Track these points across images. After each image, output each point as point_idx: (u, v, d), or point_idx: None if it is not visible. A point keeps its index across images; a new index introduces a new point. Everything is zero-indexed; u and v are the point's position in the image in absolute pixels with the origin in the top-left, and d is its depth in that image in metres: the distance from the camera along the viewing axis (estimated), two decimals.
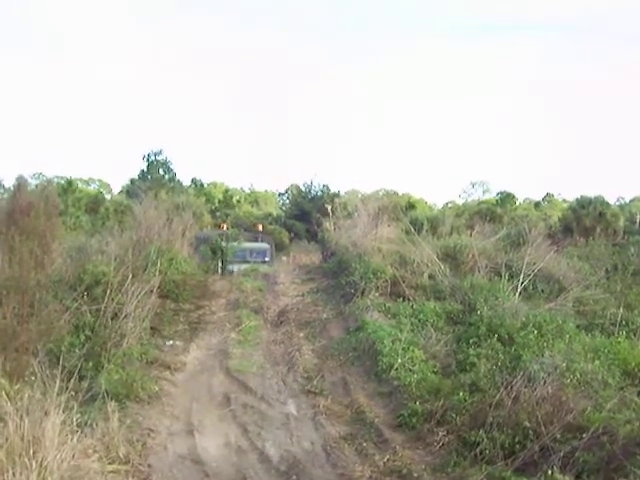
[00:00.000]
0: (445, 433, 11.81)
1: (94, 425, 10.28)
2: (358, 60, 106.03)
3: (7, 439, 7.33)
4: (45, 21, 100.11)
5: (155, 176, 52.90)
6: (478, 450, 10.87)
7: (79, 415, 8.99)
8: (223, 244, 31.09)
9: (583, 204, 37.05)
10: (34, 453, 7.28)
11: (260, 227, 41.81)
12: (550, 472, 9.55)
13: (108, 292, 15.50)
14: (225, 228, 37.27)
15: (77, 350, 13.09)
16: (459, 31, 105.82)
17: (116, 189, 62.19)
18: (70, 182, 45.03)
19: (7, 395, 8.25)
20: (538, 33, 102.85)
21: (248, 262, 32.01)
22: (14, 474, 6.84)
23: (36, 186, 19.33)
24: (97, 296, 15.71)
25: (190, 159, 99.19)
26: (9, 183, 51.40)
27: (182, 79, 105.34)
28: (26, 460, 7.09)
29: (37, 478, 6.94)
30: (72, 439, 8.01)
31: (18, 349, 11.41)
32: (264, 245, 36.29)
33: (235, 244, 32.34)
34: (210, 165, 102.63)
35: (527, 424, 10.82)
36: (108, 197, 52.79)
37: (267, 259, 35.10)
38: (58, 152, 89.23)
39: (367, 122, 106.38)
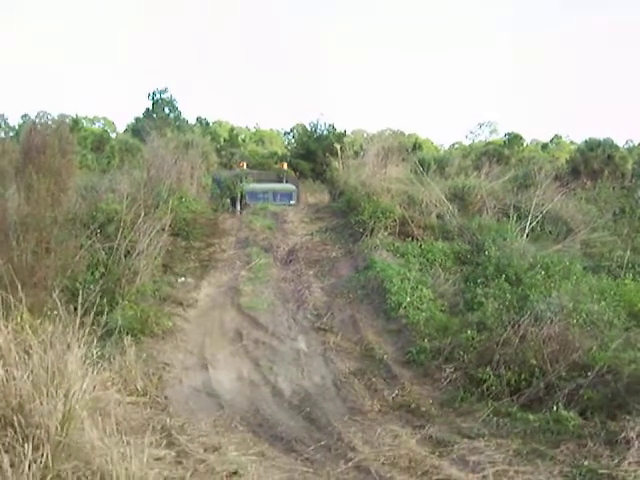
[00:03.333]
0: (452, 370, 12.11)
1: (112, 359, 10.57)
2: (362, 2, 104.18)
3: (32, 370, 7.52)
4: None
5: (160, 114, 52.62)
6: (485, 387, 11.18)
7: (98, 349, 9.22)
8: (239, 184, 30.65)
9: (591, 146, 36.70)
10: (58, 384, 7.48)
11: (285, 166, 38.85)
12: (555, 408, 9.85)
13: (121, 230, 15.68)
14: (244, 167, 35.74)
15: (92, 286, 13.26)
16: None
17: (120, 127, 61.89)
18: (76, 121, 44.92)
19: (30, 329, 8.44)
20: None
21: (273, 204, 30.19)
22: (41, 403, 7.05)
23: (48, 124, 19.24)
24: (110, 234, 15.89)
25: (195, 98, 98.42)
26: (13, 121, 51.62)
27: (186, 17, 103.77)
28: (52, 390, 7.29)
29: (63, 407, 7.14)
30: (93, 372, 8.21)
31: (36, 285, 11.62)
32: (289, 186, 33.67)
33: (252, 185, 31.25)
34: (215, 104, 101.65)
35: (533, 362, 11.10)
36: (113, 136, 52.50)
37: (293, 202, 32.52)
38: (62, 90, 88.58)
39: (373, 61, 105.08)
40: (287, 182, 34.65)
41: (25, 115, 50.84)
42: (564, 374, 10.72)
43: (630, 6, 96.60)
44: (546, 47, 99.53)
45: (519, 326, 11.93)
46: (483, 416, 10.15)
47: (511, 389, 10.97)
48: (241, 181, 31.43)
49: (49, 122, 22.30)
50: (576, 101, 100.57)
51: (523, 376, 11.03)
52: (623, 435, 8.51)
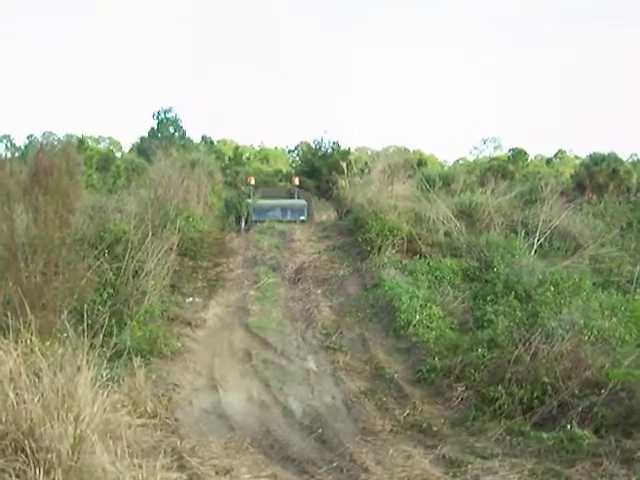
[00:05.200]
0: (464, 388, 12.03)
1: (121, 380, 10.50)
2: (365, 18, 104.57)
3: (42, 394, 7.49)
4: None
5: (165, 134, 52.75)
6: (497, 405, 11.09)
7: (107, 371, 9.18)
8: (245, 201, 30.34)
9: (596, 160, 36.69)
10: (69, 407, 7.44)
11: (296, 181, 36.68)
12: (569, 426, 9.73)
13: (129, 250, 15.64)
14: (253, 182, 34.75)
15: (100, 308, 13.25)
16: None
17: (126, 147, 61.99)
18: (82, 140, 45.00)
19: (40, 352, 8.41)
20: None
21: (281, 222, 29.60)
22: (52, 426, 7.00)
23: (55, 145, 19.27)
24: (118, 254, 15.84)
25: (199, 117, 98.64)
26: (19, 141, 51.79)
27: (190, 36, 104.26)
28: (62, 413, 7.25)
29: (73, 431, 7.10)
30: (103, 394, 8.17)
31: (45, 307, 11.60)
32: (300, 202, 33.01)
33: (259, 201, 31.09)
34: (219, 122, 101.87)
35: (546, 380, 10.99)
36: (118, 155, 52.62)
37: (303, 218, 31.90)
38: (66, 110, 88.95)
39: (376, 78, 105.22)
40: (299, 198, 33.94)
41: (31, 135, 51.07)
42: (577, 392, 10.61)
43: (633, 19, 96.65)
44: (548, 62, 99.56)
45: (530, 344, 11.85)
46: (496, 435, 10.06)
47: (524, 407, 10.86)
48: (248, 197, 31.34)
49: (55, 143, 22.33)
50: (579, 115, 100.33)
51: (535, 394, 10.92)
52: (639, 454, 8.43)
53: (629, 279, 18.26)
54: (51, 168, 12.65)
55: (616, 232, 22.92)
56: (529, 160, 55.48)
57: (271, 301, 17.95)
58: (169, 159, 27.27)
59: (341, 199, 31.54)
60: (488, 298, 16.18)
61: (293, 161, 57.18)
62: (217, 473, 8.36)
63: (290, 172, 47.16)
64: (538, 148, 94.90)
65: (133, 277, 15.42)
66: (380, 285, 18.07)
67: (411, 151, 54.67)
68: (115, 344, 10.45)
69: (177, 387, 12.13)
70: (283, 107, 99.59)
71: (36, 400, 7.28)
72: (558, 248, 21.43)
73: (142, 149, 46.73)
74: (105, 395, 8.19)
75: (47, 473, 6.51)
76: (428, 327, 15.01)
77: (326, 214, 34.06)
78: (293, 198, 33.87)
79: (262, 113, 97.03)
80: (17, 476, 6.46)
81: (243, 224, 29.76)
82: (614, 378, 10.58)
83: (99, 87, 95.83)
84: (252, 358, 13.92)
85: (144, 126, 59.52)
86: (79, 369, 7.98)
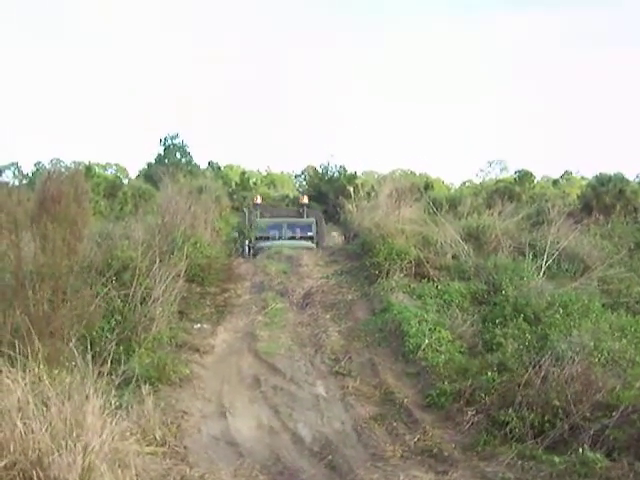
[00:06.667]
0: (474, 412, 11.91)
1: (129, 408, 10.47)
2: (369, 41, 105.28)
3: (51, 423, 7.49)
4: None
5: (172, 160, 53.05)
6: (508, 429, 10.97)
7: (116, 398, 9.16)
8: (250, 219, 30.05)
9: (602, 181, 36.80)
10: (77, 436, 7.43)
11: (305, 199, 35.64)
12: (581, 450, 9.66)
13: (136, 277, 15.64)
14: (259, 201, 34.48)
15: (108, 335, 13.24)
16: (477, 6, 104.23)
17: (133, 173, 62.28)
18: (89, 167, 45.25)
19: (48, 380, 8.41)
20: (556, 9, 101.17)
21: (288, 243, 29.58)
22: (60, 456, 6.99)
23: (62, 172, 19.33)
24: (126, 281, 15.82)
25: (206, 142, 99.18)
26: (27, 169, 52.11)
27: (195, 62, 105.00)
28: (70, 443, 7.24)
29: (82, 460, 7.08)
30: (111, 422, 8.15)
31: (53, 334, 11.60)
32: (308, 220, 32.88)
33: (262, 220, 31.09)
34: (226, 148, 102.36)
35: (556, 403, 10.89)
36: (125, 181, 52.87)
37: (311, 234, 31.92)
38: (74, 137, 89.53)
39: (380, 102, 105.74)
40: (308, 217, 33.61)
41: (38, 162, 51.49)
42: (588, 414, 10.52)
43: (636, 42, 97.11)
44: (553, 83, 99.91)
45: (540, 366, 11.79)
46: (507, 459, 9.96)
47: (535, 431, 10.76)
48: (256, 217, 31.29)
49: (63, 170, 22.47)
50: (585, 137, 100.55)
51: (546, 417, 10.83)
52: None
53: (638, 300, 18.24)
54: (59, 195, 12.74)
55: (624, 253, 22.83)
56: (535, 182, 55.54)
57: (279, 326, 17.88)
58: (176, 185, 27.28)
59: (348, 223, 31.61)
60: (497, 321, 16.09)
61: (300, 186, 57.40)
62: None
63: (297, 197, 47.14)
64: (544, 169, 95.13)
65: (141, 304, 15.39)
66: (388, 309, 18.01)
67: (417, 174, 54.87)
68: (123, 371, 10.47)
69: (186, 414, 12.06)
70: (289, 132, 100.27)
71: (44, 429, 7.29)
72: (566, 270, 21.35)
73: (149, 175, 47.03)
74: (113, 423, 8.19)
75: None
76: (437, 351, 14.93)
77: (333, 238, 34.08)
78: (302, 217, 33.58)
79: (268, 138, 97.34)
80: None
81: (246, 247, 29.78)
82: (625, 400, 10.51)
83: (106, 114, 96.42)
84: (261, 384, 13.85)
85: (151, 153, 59.98)
86: (87, 397, 7.99)
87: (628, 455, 9.38)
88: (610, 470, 8.98)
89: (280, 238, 31.37)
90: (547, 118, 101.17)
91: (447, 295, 18.78)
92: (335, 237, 34.00)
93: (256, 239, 30.67)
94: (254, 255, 29.45)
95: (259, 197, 36.40)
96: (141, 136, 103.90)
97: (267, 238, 31.16)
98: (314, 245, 31.39)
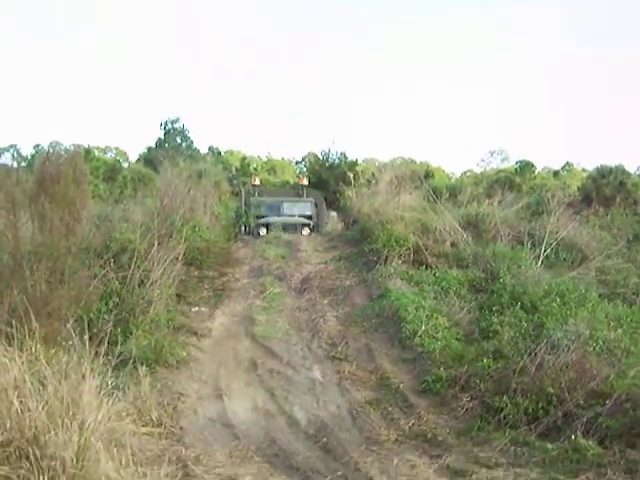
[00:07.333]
0: (469, 399, 12.01)
1: (126, 389, 10.50)
2: (374, 31, 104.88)
3: (47, 402, 7.50)
4: None
5: (172, 144, 52.94)
6: (502, 415, 11.07)
7: (112, 379, 9.19)
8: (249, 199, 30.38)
9: (603, 173, 36.70)
10: (73, 415, 7.45)
11: (305, 181, 36.82)
12: (573, 437, 9.71)
13: (134, 259, 15.66)
14: (257, 182, 34.97)
15: (105, 316, 13.26)
16: None
17: (133, 157, 62.12)
18: (88, 151, 45.13)
19: (45, 360, 8.42)
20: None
21: (289, 224, 30.66)
22: (56, 434, 7.01)
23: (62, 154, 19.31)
24: (124, 263, 15.84)
25: (207, 127, 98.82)
26: (26, 151, 52.03)
27: (197, 46, 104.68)
28: (66, 421, 7.26)
29: (78, 438, 7.10)
30: (107, 402, 8.18)
31: (50, 315, 11.62)
32: (306, 200, 33.78)
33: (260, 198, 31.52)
34: (227, 133, 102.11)
35: (551, 390, 10.97)
36: (125, 165, 52.77)
37: (309, 213, 32.65)
38: (74, 120, 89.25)
39: (383, 90, 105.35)
40: (307, 197, 34.22)
41: (37, 145, 51.35)
42: (582, 402, 10.59)
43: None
44: (555, 74, 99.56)
45: (535, 354, 11.84)
46: (501, 445, 10.01)
47: (529, 418, 10.83)
48: (254, 195, 31.40)
49: (62, 152, 22.45)
50: (587, 128, 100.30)
51: (540, 405, 10.90)
52: None
53: (635, 291, 18.30)
54: (57, 176, 12.69)
55: (622, 244, 22.86)
56: (536, 172, 55.45)
57: (277, 311, 17.94)
58: (176, 169, 27.29)
59: (348, 209, 31.66)
60: (494, 309, 16.17)
61: (300, 172, 57.18)
62: None
63: (297, 183, 47.10)
64: (545, 161, 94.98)
65: (139, 286, 15.41)
66: (386, 295, 18.07)
67: (418, 163, 54.69)
68: (120, 353, 10.45)
69: (182, 396, 12.12)
70: (291, 118, 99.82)
71: (40, 408, 7.29)
72: (564, 259, 21.42)
73: (149, 159, 46.90)
74: (110, 403, 8.19)
75: None
76: (434, 337, 14.98)
77: (332, 218, 34.08)
78: (301, 198, 34.18)
79: (269, 124, 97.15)
80: None
81: (243, 226, 29.93)
82: (619, 389, 10.55)
83: (107, 97, 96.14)
84: (258, 367, 13.91)
85: (151, 136, 59.77)
86: (84, 377, 7.99)
87: (620, 443, 9.40)
88: (602, 457, 9.01)
89: (279, 216, 31.92)
90: (549, 109, 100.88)
91: (445, 282, 18.87)
92: (334, 217, 34.00)
93: (255, 217, 30.77)
94: (252, 233, 29.95)
95: (257, 178, 36.85)
96: (142, 120, 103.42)
97: (266, 216, 31.59)
98: (312, 223, 32.13)
